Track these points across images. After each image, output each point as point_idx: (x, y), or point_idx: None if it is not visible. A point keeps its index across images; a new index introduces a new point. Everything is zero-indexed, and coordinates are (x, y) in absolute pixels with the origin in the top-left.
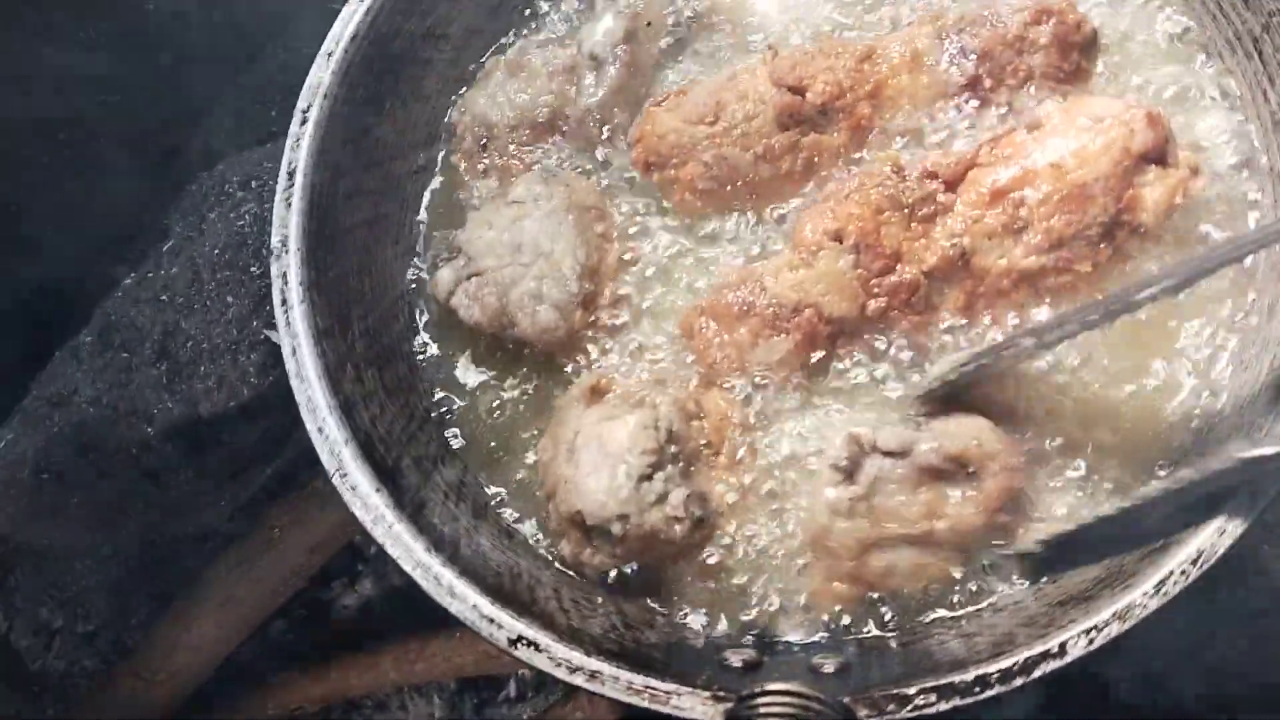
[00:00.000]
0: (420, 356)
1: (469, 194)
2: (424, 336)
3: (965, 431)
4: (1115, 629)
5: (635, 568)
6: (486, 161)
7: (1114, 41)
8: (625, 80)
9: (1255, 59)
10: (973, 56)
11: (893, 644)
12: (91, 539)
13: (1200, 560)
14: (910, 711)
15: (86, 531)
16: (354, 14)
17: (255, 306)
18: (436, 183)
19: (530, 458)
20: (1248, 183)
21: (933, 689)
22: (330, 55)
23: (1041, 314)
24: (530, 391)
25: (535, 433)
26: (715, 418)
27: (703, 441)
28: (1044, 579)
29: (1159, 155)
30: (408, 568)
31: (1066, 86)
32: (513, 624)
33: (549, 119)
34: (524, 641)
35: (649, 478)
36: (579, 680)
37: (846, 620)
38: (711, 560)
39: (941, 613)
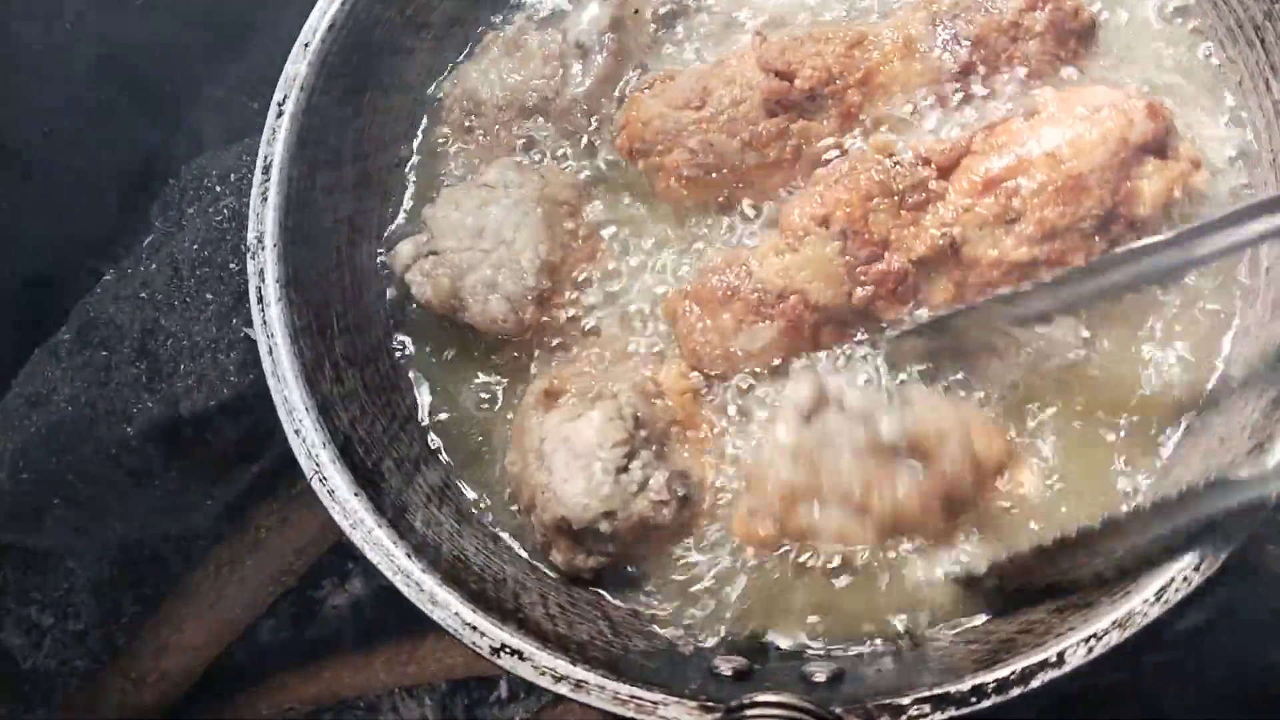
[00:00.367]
0: (401, 355)
1: (448, 169)
2: (405, 334)
3: (934, 418)
4: (1115, 637)
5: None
6: (470, 138)
7: (1112, 29)
8: (613, 69)
9: (1257, 47)
10: (966, 43)
11: (887, 651)
12: (75, 540)
13: (1202, 567)
14: None
15: (70, 532)
16: (332, 3)
17: (235, 303)
18: (418, 166)
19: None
20: (1247, 175)
21: (927, 699)
22: (307, 45)
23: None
24: (517, 392)
25: None
26: (676, 392)
27: (671, 419)
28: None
29: (1159, 147)
30: (388, 574)
31: (1064, 73)
32: (496, 632)
33: (537, 104)
34: (507, 650)
35: (625, 468)
36: (564, 689)
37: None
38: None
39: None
